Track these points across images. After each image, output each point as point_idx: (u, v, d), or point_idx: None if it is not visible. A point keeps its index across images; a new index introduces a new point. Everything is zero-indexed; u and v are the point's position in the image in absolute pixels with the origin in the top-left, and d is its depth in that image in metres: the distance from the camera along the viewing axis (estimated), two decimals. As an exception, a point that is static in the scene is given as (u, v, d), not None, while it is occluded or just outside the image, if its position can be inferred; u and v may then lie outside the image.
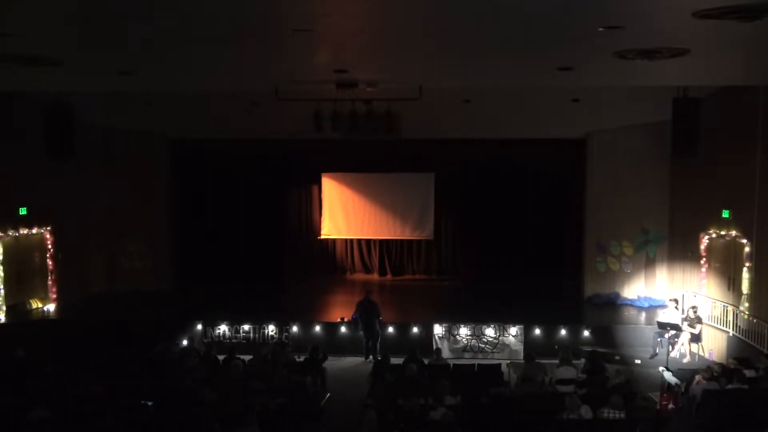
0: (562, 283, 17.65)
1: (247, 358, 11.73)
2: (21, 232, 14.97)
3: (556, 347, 13.18)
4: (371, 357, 13.65)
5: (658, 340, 13.62)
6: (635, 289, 16.76)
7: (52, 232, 15.80)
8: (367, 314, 13.82)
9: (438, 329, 14.18)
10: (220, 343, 13.92)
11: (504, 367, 11.85)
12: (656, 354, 13.53)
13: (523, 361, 11.93)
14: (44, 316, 15.23)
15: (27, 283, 15.29)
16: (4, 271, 14.47)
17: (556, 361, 11.26)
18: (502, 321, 14.17)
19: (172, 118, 15.97)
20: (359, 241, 20.35)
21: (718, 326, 13.65)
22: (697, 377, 10.17)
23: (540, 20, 7.00)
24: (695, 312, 13.70)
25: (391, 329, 14.35)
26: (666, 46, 8.14)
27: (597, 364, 11.00)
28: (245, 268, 18.69)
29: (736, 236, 13.51)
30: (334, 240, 20.25)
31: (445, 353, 13.57)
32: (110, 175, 16.91)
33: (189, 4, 6.50)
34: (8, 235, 14.65)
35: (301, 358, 11.97)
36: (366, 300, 14.00)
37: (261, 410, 8.60)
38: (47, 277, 15.81)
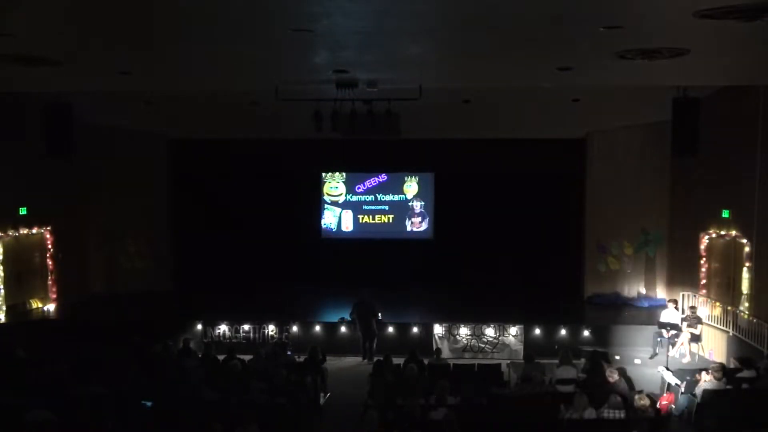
0: (562, 283, 17.66)
1: (247, 358, 11.74)
2: (21, 232, 14.95)
3: (556, 347, 13.18)
4: (366, 359, 13.63)
5: (658, 340, 13.62)
6: (635, 289, 16.76)
7: (52, 232, 15.77)
8: (365, 314, 13.82)
9: (438, 329, 14.18)
10: (220, 343, 13.93)
11: (504, 367, 11.86)
12: (656, 354, 13.53)
13: (523, 361, 11.93)
14: (44, 316, 15.21)
15: (27, 283, 15.25)
16: (4, 271, 14.44)
17: (556, 361, 11.27)
18: (502, 321, 14.18)
19: (172, 118, 15.96)
20: (359, 241, 20.32)
21: (718, 326, 13.64)
22: (706, 377, 10.09)
23: (540, 20, 7.00)
24: (695, 312, 13.71)
25: (391, 329, 14.35)
26: (666, 46, 8.14)
27: (597, 364, 11.00)
28: (245, 268, 18.66)
29: (736, 236, 13.51)
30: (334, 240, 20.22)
31: (445, 353, 13.59)
32: (110, 174, 16.90)
33: (189, 4, 6.50)
34: (8, 235, 14.63)
35: (301, 358, 11.97)
36: (363, 300, 13.99)
37: (261, 410, 8.60)
38: (47, 277, 15.78)
